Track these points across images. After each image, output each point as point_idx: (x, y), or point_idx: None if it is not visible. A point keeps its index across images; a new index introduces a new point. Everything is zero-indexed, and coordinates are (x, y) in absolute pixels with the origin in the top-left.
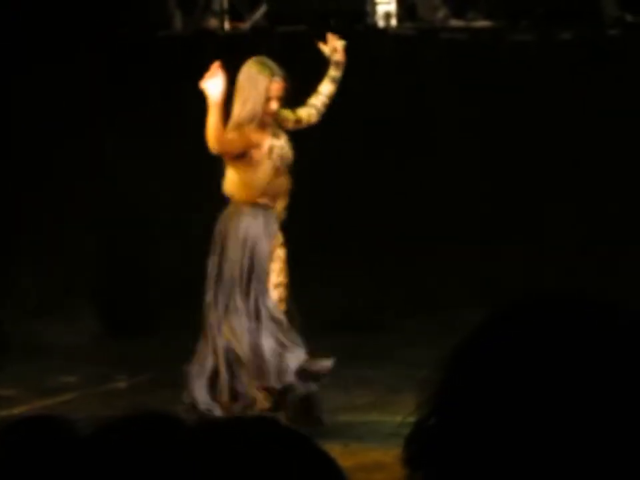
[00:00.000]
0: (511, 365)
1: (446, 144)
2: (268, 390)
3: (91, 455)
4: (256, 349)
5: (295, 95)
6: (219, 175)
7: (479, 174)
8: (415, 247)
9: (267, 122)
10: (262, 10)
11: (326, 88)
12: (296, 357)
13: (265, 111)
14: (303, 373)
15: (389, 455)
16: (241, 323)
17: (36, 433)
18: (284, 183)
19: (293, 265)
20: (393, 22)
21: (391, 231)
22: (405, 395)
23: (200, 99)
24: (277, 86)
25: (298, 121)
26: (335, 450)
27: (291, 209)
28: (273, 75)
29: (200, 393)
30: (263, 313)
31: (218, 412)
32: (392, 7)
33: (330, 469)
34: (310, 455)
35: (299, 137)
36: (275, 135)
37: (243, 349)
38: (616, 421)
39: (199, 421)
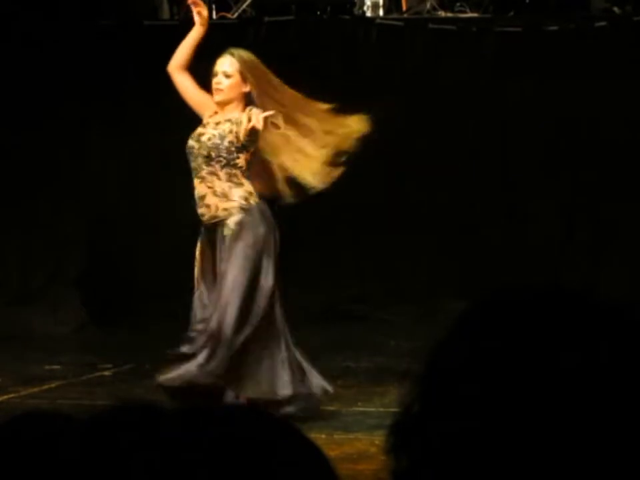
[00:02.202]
0: (491, 355)
1: (431, 134)
2: None
3: (84, 448)
4: None
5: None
6: None
7: (462, 164)
8: (396, 238)
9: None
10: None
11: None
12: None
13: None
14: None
15: (375, 445)
16: None
17: (31, 431)
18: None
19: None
20: (380, 12)
21: (373, 223)
22: (390, 386)
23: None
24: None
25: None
26: (320, 440)
27: (273, 201)
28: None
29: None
30: None
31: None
32: None
33: (317, 459)
34: (297, 444)
35: None
36: (204, 126)
37: None
38: (594, 409)
39: (183, 409)
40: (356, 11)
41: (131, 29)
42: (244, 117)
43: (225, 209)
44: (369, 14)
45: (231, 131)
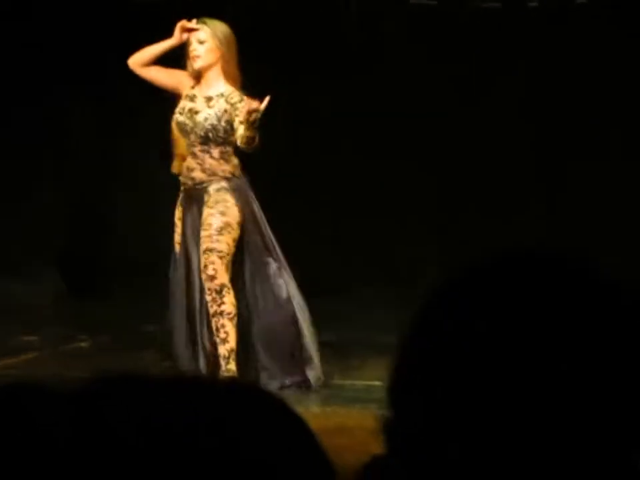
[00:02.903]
0: (470, 327)
1: (409, 110)
2: None
3: (72, 423)
4: None
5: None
6: None
7: (444, 140)
8: (376, 213)
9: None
10: None
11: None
12: None
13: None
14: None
15: (352, 418)
16: None
17: (16, 404)
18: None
19: None
20: None
21: (354, 198)
22: (368, 360)
23: (176, 63)
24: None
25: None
26: (309, 414)
27: (255, 174)
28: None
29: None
30: None
31: None
32: None
33: (304, 431)
34: (284, 417)
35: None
36: (191, 99)
37: None
38: (582, 388)
39: (168, 377)
40: None
41: (119, 6)
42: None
43: (209, 179)
44: None
45: (226, 110)
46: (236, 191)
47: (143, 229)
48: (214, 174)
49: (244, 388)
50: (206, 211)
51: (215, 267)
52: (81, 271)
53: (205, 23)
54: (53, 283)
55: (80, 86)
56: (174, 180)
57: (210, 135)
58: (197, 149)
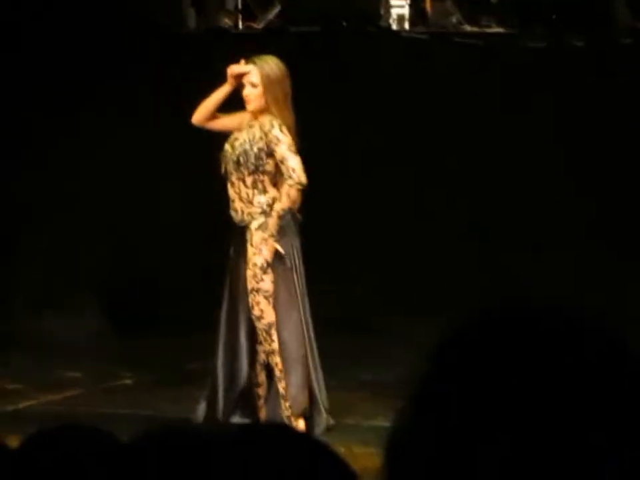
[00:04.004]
0: (481, 378)
1: (454, 149)
2: None
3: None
4: None
5: (308, 96)
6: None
7: (481, 180)
8: (410, 250)
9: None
10: (275, 10)
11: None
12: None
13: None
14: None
15: None
16: None
17: (69, 446)
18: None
19: None
20: (406, 25)
21: (387, 234)
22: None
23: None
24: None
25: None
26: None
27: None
28: None
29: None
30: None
31: None
32: (405, 10)
33: (347, 474)
34: (327, 460)
35: (306, 135)
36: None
37: None
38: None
39: (212, 430)
40: (382, 23)
41: (159, 37)
42: (268, 124)
43: (249, 214)
44: (394, 27)
45: (261, 138)
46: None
47: (190, 266)
48: (250, 203)
49: (290, 435)
50: (250, 250)
51: (261, 307)
52: (125, 307)
53: (254, 62)
54: (97, 318)
55: (122, 113)
56: (222, 216)
57: (241, 159)
58: (234, 177)
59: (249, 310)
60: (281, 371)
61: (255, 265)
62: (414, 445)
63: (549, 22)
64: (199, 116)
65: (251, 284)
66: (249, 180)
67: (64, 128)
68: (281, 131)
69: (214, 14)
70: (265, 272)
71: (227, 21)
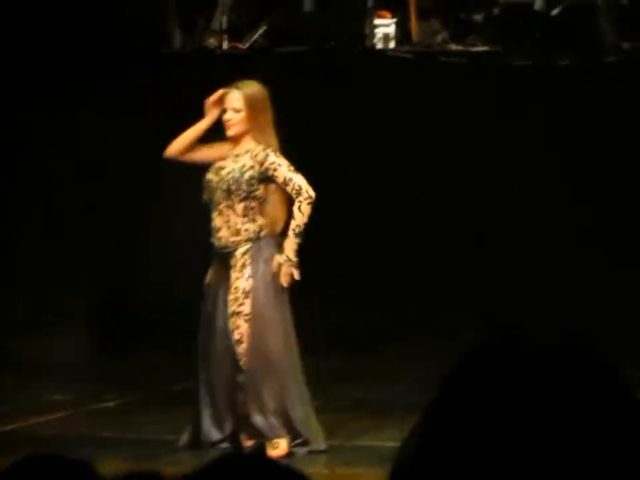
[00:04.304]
0: (488, 405)
1: (443, 167)
2: None
3: None
4: None
5: (294, 115)
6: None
7: (476, 196)
8: (408, 269)
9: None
10: (261, 30)
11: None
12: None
13: None
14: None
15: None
16: None
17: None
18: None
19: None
20: (392, 44)
21: (384, 253)
22: (397, 420)
23: (196, 116)
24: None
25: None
26: (320, 476)
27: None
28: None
29: None
30: None
31: None
32: (391, 30)
33: None
34: None
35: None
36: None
37: None
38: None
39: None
40: (367, 42)
41: (145, 56)
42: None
43: (234, 242)
44: (379, 46)
45: (252, 166)
46: (261, 252)
47: (175, 287)
48: (238, 233)
49: (264, 465)
50: (233, 275)
51: (241, 331)
52: (112, 328)
53: (237, 87)
54: (84, 340)
55: (118, 133)
56: (206, 240)
57: (232, 187)
58: (222, 206)
59: (228, 334)
60: (259, 394)
61: (237, 288)
62: (418, 464)
63: (534, 40)
64: (175, 149)
65: (232, 307)
66: (239, 207)
67: (64, 128)
68: (276, 155)
69: (200, 34)
70: (247, 296)
71: (212, 41)
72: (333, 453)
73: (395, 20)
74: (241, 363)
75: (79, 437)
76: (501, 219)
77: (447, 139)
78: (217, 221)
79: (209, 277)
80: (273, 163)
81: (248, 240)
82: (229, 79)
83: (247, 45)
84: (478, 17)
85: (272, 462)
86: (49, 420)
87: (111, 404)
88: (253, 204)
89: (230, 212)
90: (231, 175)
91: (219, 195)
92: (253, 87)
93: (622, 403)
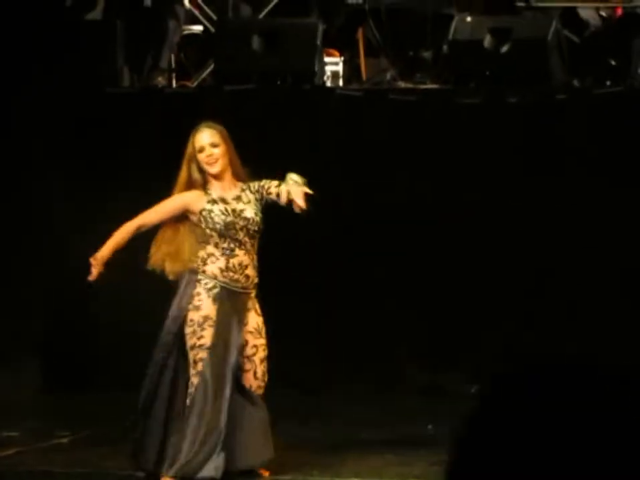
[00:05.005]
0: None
1: (391, 205)
2: None
3: None
4: None
5: (243, 154)
6: None
7: (425, 233)
8: (353, 308)
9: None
10: (209, 68)
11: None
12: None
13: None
14: None
15: None
16: None
17: None
18: None
19: None
20: (340, 82)
21: (333, 290)
22: (346, 456)
23: (145, 155)
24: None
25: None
26: None
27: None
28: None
29: None
30: None
31: None
32: (339, 68)
33: None
34: None
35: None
36: (223, 201)
37: None
38: None
39: None
40: (317, 80)
41: (92, 95)
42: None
43: (254, 282)
44: (329, 84)
45: (257, 200)
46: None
47: (124, 321)
48: (256, 270)
49: None
50: (260, 319)
51: (267, 376)
52: (62, 365)
53: (211, 126)
54: (34, 377)
55: (62, 174)
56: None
57: (258, 228)
58: (248, 245)
59: (236, 372)
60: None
61: (266, 333)
62: None
63: (483, 78)
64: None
65: (265, 352)
66: (256, 245)
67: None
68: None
69: (148, 72)
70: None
71: (160, 80)
72: None
73: (342, 58)
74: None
75: (30, 474)
76: (451, 254)
77: (397, 176)
78: (244, 259)
79: (211, 310)
80: (263, 186)
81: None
82: (177, 117)
83: (195, 83)
84: (427, 55)
85: None
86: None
87: (62, 440)
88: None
89: (253, 251)
90: (259, 216)
91: (242, 235)
92: (217, 125)
93: None
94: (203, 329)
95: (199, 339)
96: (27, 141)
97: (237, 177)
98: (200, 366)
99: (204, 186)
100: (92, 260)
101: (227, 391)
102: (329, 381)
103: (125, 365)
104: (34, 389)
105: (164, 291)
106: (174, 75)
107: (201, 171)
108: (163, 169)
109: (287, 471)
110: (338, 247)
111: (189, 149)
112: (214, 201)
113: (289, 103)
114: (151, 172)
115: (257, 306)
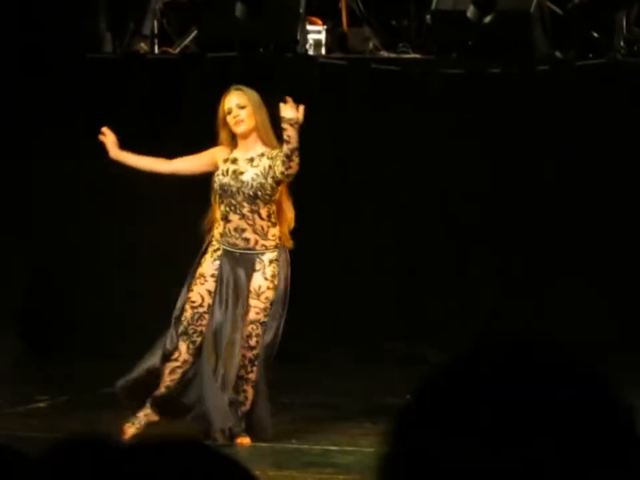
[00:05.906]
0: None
1: (373, 174)
2: None
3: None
4: None
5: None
6: (152, 199)
7: (404, 205)
8: (337, 279)
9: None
10: (192, 35)
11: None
12: None
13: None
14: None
15: None
16: None
17: None
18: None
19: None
20: (323, 51)
21: (312, 262)
22: (325, 424)
23: (130, 123)
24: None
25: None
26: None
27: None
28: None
29: None
30: None
31: None
32: (322, 36)
33: None
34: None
35: None
36: (233, 162)
37: None
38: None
39: (131, 444)
40: (299, 49)
41: (74, 61)
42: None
43: (263, 245)
44: (311, 52)
45: (270, 167)
46: (282, 262)
47: (104, 288)
48: (265, 236)
49: (200, 451)
50: (264, 283)
51: (258, 339)
52: (40, 330)
53: (240, 89)
54: (13, 342)
55: (43, 143)
56: (140, 239)
57: (259, 193)
58: (245, 210)
59: (237, 337)
60: (246, 397)
61: (267, 298)
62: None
63: (465, 48)
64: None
65: (257, 316)
66: (263, 211)
67: None
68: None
69: (130, 38)
70: (270, 307)
71: (143, 46)
72: (264, 455)
73: (325, 27)
74: (241, 363)
75: (9, 438)
76: (431, 229)
77: (378, 146)
78: (240, 222)
79: (209, 267)
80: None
81: (275, 246)
82: (160, 84)
83: (178, 50)
84: (410, 25)
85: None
86: None
87: (41, 405)
88: (273, 207)
89: (255, 216)
90: (256, 181)
91: (240, 199)
92: (248, 89)
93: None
94: (194, 285)
95: (188, 292)
96: (8, 109)
97: (263, 141)
98: (185, 321)
99: (235, 146)
100: (108, 142)
101: (205, 352)
102: (308, 351)
103: (104, 331)
104: (12, 355)
105: (148, 260)
106: (156, 41)
107: (232, 132)
108: (145, 136)
109: (266, 438)
110: (315, 216)
111: (220, 112)
112: (226, 160)
113: (271, 70)
114: (133, 139)
115: (269, 269)
